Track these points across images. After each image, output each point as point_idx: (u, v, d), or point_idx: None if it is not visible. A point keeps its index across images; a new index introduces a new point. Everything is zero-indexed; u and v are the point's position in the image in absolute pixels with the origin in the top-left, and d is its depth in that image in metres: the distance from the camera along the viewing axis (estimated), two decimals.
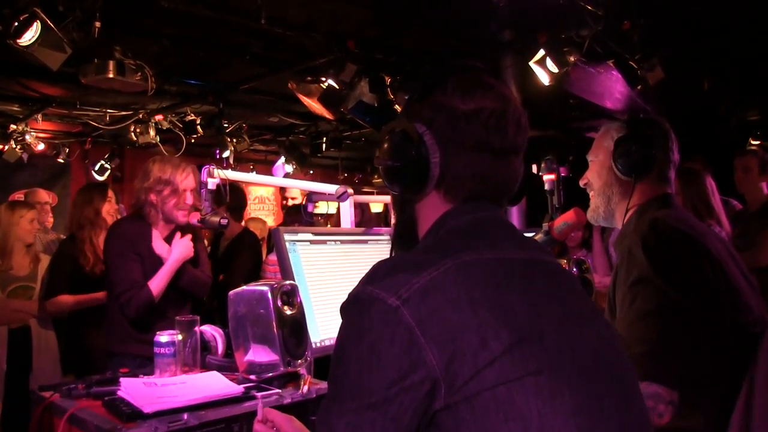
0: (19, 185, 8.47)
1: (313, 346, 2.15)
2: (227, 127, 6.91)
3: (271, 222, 10.16)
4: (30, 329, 4.15)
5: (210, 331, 2.35)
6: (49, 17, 3.64)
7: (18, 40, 3.50)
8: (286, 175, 8.07)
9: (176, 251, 3.06)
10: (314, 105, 4.80)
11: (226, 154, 7.34)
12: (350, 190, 2.87)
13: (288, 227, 2.30)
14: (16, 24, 3.47)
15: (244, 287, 2.02)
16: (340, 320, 1.09)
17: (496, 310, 1.02)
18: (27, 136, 7.43)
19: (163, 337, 2.11)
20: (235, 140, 7.32)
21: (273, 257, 4.56)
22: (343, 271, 2.43)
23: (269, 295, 1.96)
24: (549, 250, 1.23)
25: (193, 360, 2.17)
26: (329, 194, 2.96)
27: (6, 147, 7.52)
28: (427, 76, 1.23)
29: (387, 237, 2.74)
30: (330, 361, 1.10)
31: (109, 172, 8.59)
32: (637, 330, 1.61)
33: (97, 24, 3.90)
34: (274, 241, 2.25)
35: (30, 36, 3.51)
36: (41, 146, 7.89)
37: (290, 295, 2.04)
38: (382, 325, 1.01)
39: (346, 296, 1.11)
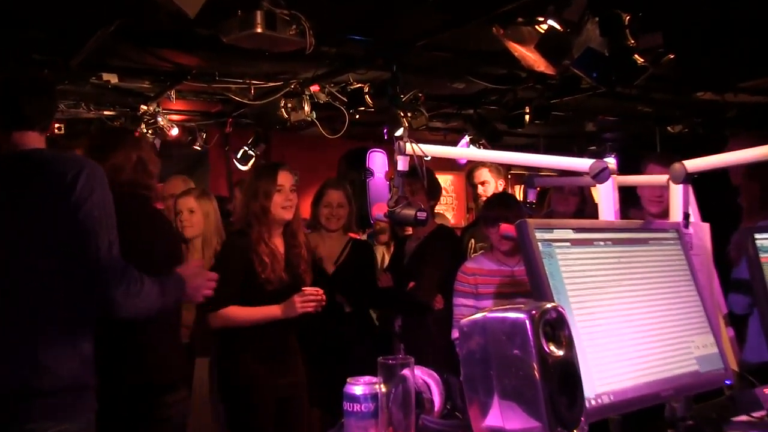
0: None
1: (587, 405, 1.67)
2: (402, 98, 6.55)
3: (450, 218, 9.82)
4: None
5: (420, 376, 1.93)
6: None
7: None
8: None
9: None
10: (529, 56, 4.31)
11: (398, 132, 6.93)
12: (612, 166, 2.36)
13: (540, 221, 1.84)
14: None
15: (487, 314, 1.56)
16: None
17: None
18: (159, 119, 7.52)
19: (357, 387, 1.71)
20: (409, 115, 6.93)
21: (471, 264, 4.19)
22: (623, 286, 1.93)
23: (529, 326, 1.49)
24: None
25: (405, 422, 1.75)
26: (577, 172, 2.47)
27: (137, 132, 7.67)
28: None
29: (674, 233, 2.22)
30: None
31: (253, 159, 8.58)
32: None
33: None
34: (521, 240, 1.79)
35: None
36: (175, 131, 8.00)
37: (556, 327, 1.56)
38: None
39: None
